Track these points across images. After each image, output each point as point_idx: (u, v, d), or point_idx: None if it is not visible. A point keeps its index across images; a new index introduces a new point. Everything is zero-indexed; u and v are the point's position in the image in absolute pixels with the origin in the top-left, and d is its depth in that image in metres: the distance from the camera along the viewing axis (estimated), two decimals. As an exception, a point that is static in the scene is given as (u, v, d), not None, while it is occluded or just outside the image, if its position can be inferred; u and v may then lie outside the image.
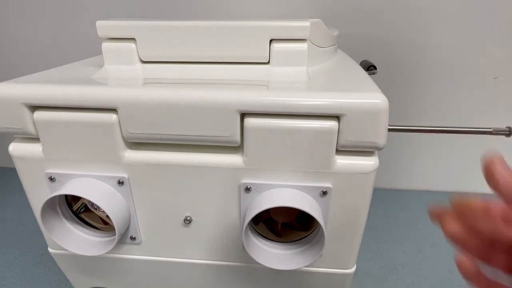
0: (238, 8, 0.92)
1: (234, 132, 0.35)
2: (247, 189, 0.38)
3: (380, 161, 0.37)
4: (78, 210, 0.43)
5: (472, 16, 0.88)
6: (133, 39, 0.42)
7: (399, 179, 1.11)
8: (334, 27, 0.68)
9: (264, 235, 0.42)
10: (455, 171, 1.06)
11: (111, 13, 0.95)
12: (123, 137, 0.37)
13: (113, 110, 0.36)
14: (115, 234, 0.39)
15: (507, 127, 0.39)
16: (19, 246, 0.86)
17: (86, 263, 0.49)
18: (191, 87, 0.36)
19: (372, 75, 0.62)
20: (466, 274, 0.23)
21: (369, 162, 0.36)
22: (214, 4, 0.92)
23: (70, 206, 0.43)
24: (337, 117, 0.34)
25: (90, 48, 1.00)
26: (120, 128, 0.37)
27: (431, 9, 0.88)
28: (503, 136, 0.39)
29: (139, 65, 0.43)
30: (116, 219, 0.38)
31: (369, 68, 0.70)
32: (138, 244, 0.45)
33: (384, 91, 0.35)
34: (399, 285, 0.76)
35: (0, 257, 0.83)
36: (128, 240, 0.44)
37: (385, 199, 1.07)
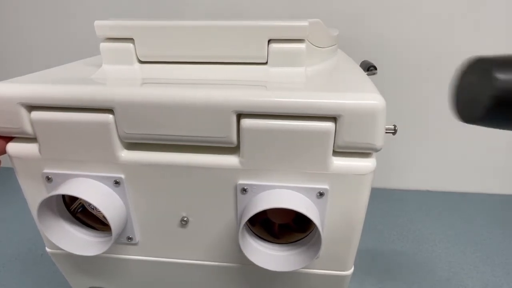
0: (237, 8, 0.92)
1: (230, 133, 0.35)
2: (244, 190, 0.38)
3: (379, 161, 0.37)
4: (75, 210, 0.43)
5: (472, 16, 0.87)
6: (131, 39, 0.42)
7: (399, 179, 1.11)
8: (334, 27, 0.67)
9: (261, 236, 0.42)
10: (454, 171, 1.06)
11: (111, 13, 0.95)
12: (119, 137, 0.37)
13: (109, 110, 0.36)
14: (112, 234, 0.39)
15: (393, 125, 0.38)
16: (19, 246, 0.86)
17: (84, 263, 0.49)
18: (187, 87, 0.36)
19: (372, 75, 0.61)
20: None
21: (367, 163, 0.36)
22: (214, 4, 0.92)
23: (67, 206, 0.43)
24: (334, 118, 0.34)
25: (90, 48, 1.00)
26: (117, 128, 0.37)
27: (431, 9, 0.88)
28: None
29: (137, 65, 0.43)
30: (112, 219, 0.38)
31: (369, 68, 0.70)
32: (135, 244, 0.45)
33: (384, 91, 0.34)
34: (399, 285, 0.76)
35: (0, 257, 0.83)
36: (125, 240, 0.44)
37: (384, 199, 1.06)
